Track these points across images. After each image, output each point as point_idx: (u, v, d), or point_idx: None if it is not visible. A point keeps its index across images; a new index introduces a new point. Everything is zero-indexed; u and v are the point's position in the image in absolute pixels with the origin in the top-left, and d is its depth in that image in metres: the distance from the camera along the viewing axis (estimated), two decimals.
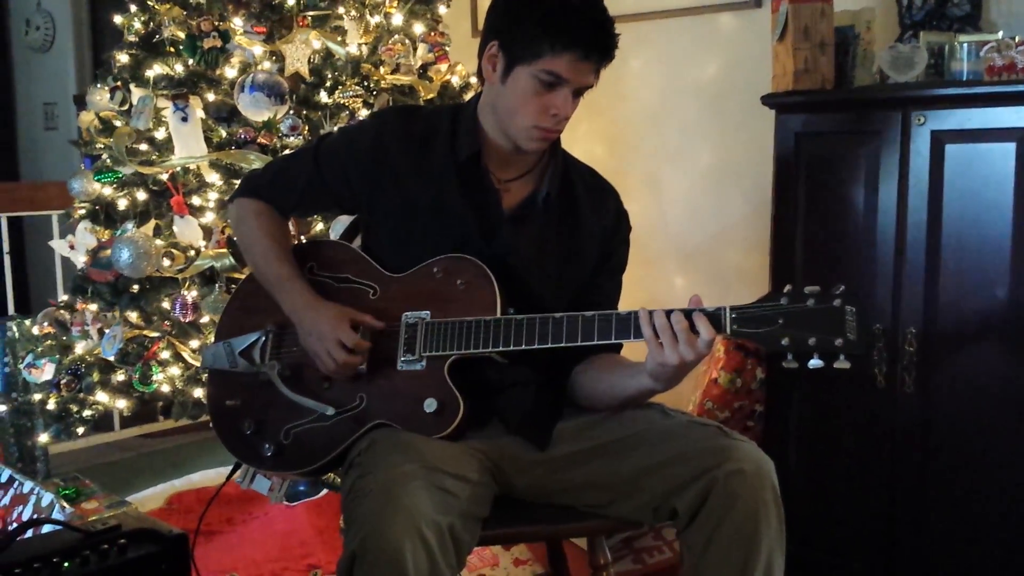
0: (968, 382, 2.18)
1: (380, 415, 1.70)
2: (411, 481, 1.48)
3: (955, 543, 2.22)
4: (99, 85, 3.02)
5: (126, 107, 2.88)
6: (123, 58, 2.89)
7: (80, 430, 2.97)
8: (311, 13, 2.76)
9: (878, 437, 2.30)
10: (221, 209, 2.72)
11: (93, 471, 3.28)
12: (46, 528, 1.82)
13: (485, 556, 2.57)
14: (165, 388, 2.78)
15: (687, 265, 3.19)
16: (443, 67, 3.00)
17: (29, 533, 1.79)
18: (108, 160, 2.86)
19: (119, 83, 2.90)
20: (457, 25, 3.37)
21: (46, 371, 2.91)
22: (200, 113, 2.72)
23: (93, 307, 2.89)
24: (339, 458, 1.72)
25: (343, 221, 2.49)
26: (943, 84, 2.22)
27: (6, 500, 2.61)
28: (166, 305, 2.77)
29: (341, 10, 2.80)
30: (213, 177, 2.73)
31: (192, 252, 2.74)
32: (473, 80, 3.01)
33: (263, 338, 1.84)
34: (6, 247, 3.87)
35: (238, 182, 2.64)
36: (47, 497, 2.54)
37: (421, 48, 2.96)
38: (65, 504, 2.52)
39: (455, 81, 3.02)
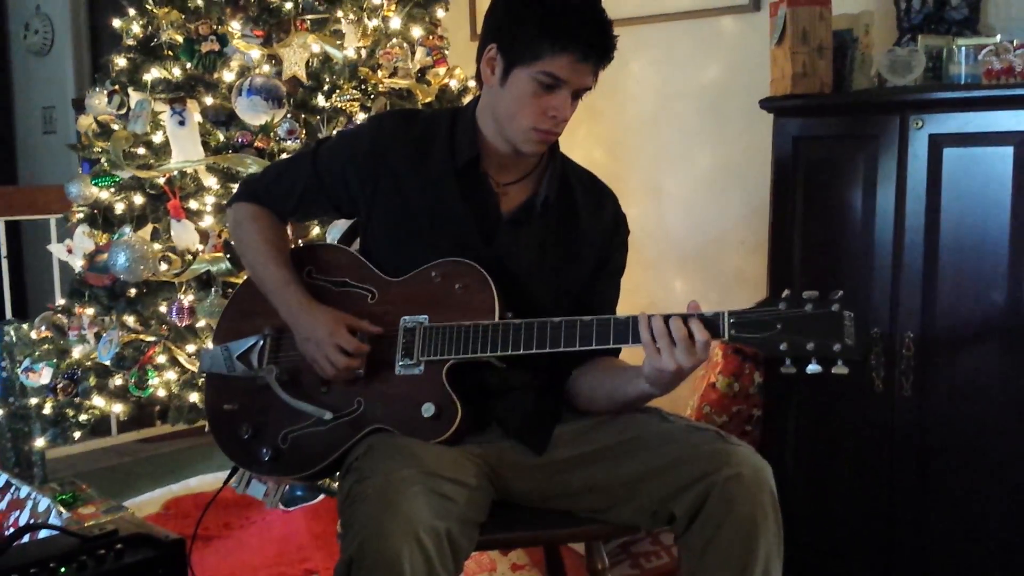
0: (966, 386, 2.18)
1: (378, 420, 1.69)
2: (409, 486, 1.48)
3: (954, 546, 2.22)
4: (97, 89, 3.02)
5: (124, 111, 2.88)
6: (121, 62, 2.89)
7: (76, 434, 2.97)
8: (310, 16, 2.76)
9: (876, 441, 2.30)
10: (218, 213, 2.71)
11: (90, 476, 3.27)
12: (43, 533, 1.82)
13: (483, 561, 2.57)
14: (161, 393, 2.77)
15: (687, 269, 3.19)
16: (441, 71, 3.00)
17: (26, 538, 1.79)
18: (106, 164, 2.86)
19: (117, 87, 2.90)
20: (456, 29, 3.37)
21: (43, 375, 2.91)
22: (198, 117, 2.72)
23: (90, 311, 2.89)
24: (337, 463, 1.72)
25: (339, 225, 2.49)
26: (941, 88, 2.22)
27: (3, 505, 2.61)
28: (163, 309, 2.77)
29: (339, 14, 2.80)
30: (210, 181, 2.73)
31: (189, 256, 2.73)
32: (471, 84, 3.01)
33: (261, 342, 1.84)
34: (4, 251, 3.86)
35: (235, 186, 2.65)
36: (44, 502, 2.54)
37: (419, 52, 2.96)
38: (62, 509, 2.52)
39: (453, 85, 3.02)
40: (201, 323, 2.71)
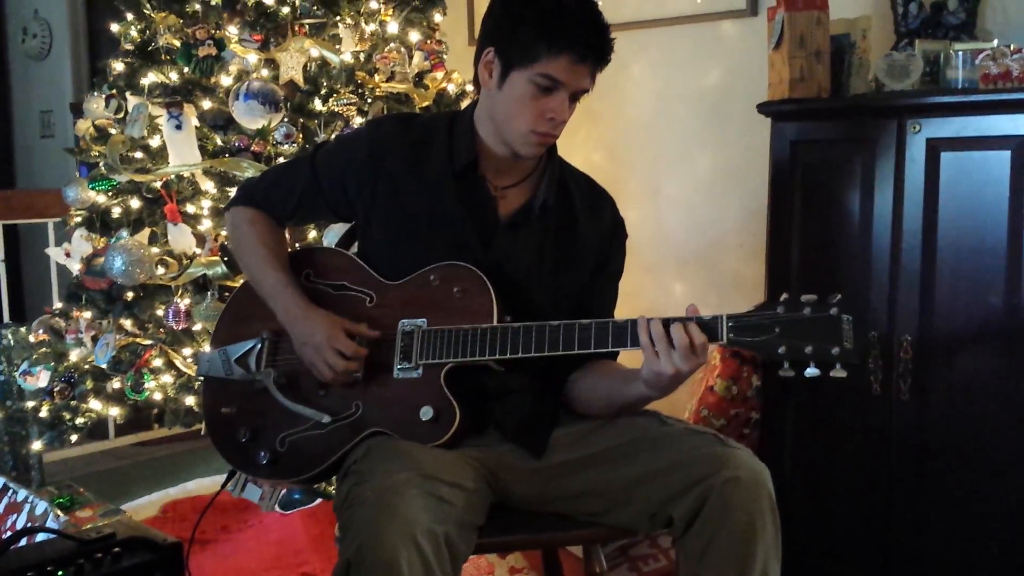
0: (964, 389, 2.18)
1: (376, 423, 1.69)
2: (407, 489, 1.48)
3: (953, 548, 2.22)
4: (95, 93, 3.02)
5: (121, 115, 2.88)
6: (119, 66, 2.90)
7: (73, 438, 2.97)
8: (308, 21, 2.76)
9: (874, 444, 2.30)
10: (215, 217, 2.71)
11: (87, 479, 3.27)
12: (40, 537, 1.81)
13: (481, 565, 2.57)
14: (157, 396, 2.77)
15: (686, 272, 3.19)
16: (439, 75, 3.00)
17: (23, 542, 1.78)
18: (103, 168, 2.86)
19: (114, 91, 2.90)
20: (454, 33, 3.38)
21: (41, 378, 2.91)
22: (195, 121, 2.72)
23: (87, 315, 2.89)
24: (335, 466, 1.72)
25: (336, 228, 2.49)
26: (938, 92, 2.22)
27: (0, 508, 2.60)
28: (160, 313, 2.77)
29: (337, 18, 2.80)
30: (207, 185, 2.73)
31: (186, 260, 2.73)
32: (469, 88, 3.01)
33: (259, 345, 1.84)
34: (2, 255, 3.86)
35: (231, 190, 2.65)
36: (41, 505, 2.54)
37: (417, 56, 2.96)
38: (59, 512, 2.52)
39: (451, 89, 3.02)
40: (197, 326, 2.71)
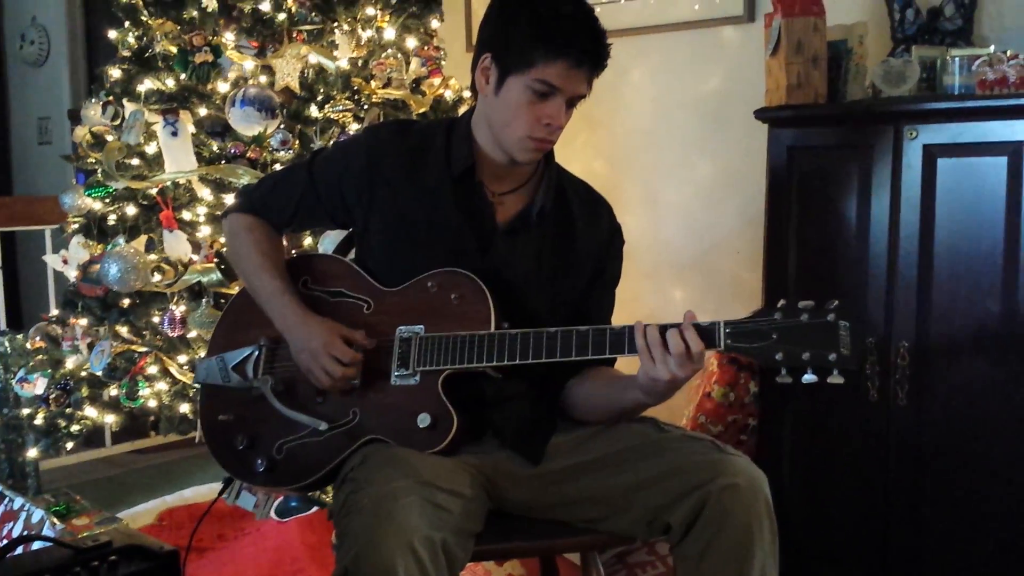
0: (961, 395, 2.18)
1: (373, 430, 1.69)
2: (404, 497, 1.47)
3: (951, 553, 2.22)
4: (93, 100, 3.02)
5: (118, 122, 2.88)
6: (116, 73, 2.89)
7: (69, 445, 2.96)
8: (305, 27, 2.76)
9: (871, 450, 2.30)
10: (211, 224, 2.71)
11: (84, 487, 3.26)
12: (36, 544, 1.81)
13: (478, 572, 2.56)
14: (152, 403, 2.76)
15: (685, 278, 3.19)
16: (436, 81, 3.00)
17: (19, 550, 1.78)
18: (100, 175, 2.86)
19: (111, 98, 2.90)
20: (452, 40, 3.38)
21: (38, 385, 2.90)
22: (191, 128, 2.72)
23: (83, 322, 2.88)
24: (332, 473, 1.72)
25: (331, 235, 2.49)
26: (935, 98, 2.23)
27: None
28: (156, 320, 2.76)
29: (334, 24, 2.80)
30: (204, 192, 2.72)
31: (181, 267, 2.73)
32: (466, 94, 3.01)
33: (256, 353, 1.84)
34: None
35: (228, 197, 2.65)
36: (37, 513, 2.53)
37: (414, 62, 2.96)
38: (56, 520, 2.51)
39: (448, 95, 3.02)
40: (193, 334, 2.71)
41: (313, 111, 2.75)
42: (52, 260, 3.26)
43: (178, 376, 2.75)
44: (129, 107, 2.83)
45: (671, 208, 3.19)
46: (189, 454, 3.66)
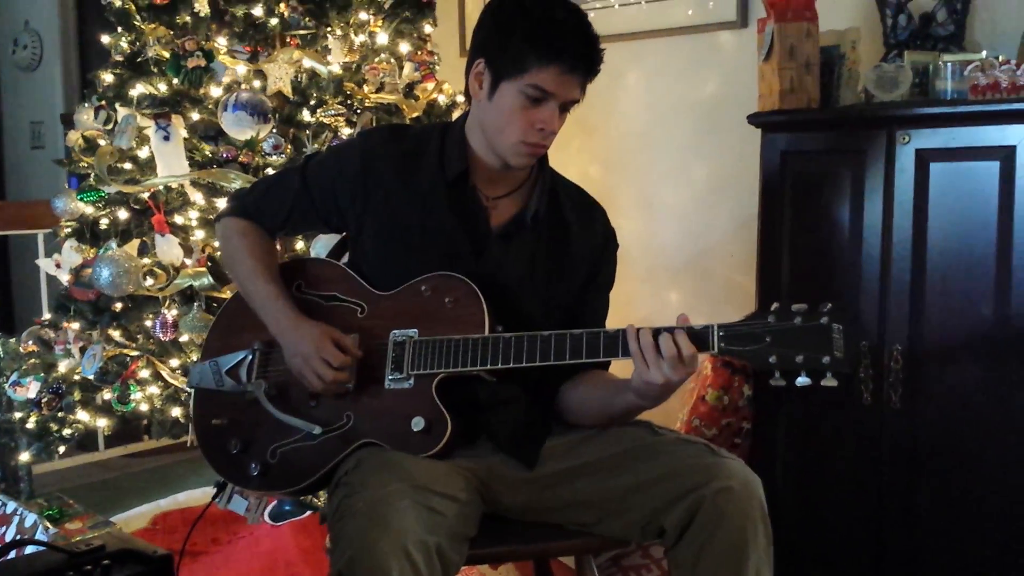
0: (954, 399, 2.18)
1: (367, 434, 1.69)
2: (398, 500, 1.47)
3: (944, 556, 2.22)
4: (86, 104, 3.02)
5: (111, 126, 2.88)
6: (108, 78, 2.89)
7: (61, 449, 2.95)
8: (299, 32, 2.77)
9: (865, 453, 2.30)
10: (203, 228, 2.71)
11: (77, 491, 3.26)
12: (29, 549, 1.80)
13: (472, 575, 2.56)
14: (144, 407, 2.76)
15: (679, 281, 3.19)
16: (429, 86, 3.00)
17: (12, 554, 1.78)
18: (93, 179, 2.85)
19: (104, 102, 2.90)
20: (446, 45, 3.38)
21: (31, 389, 2.90)
22: (183, 132, 2.72)
23: (76, 326, 2.88)
24: (326, 477, 1.71)
25: (323, 239, 2.49)
26: (927, 103, 2.24)
27: None
28: (149, 324, 2.76)
29: (327, 29, 2.80)
30: (196, 196, 2.72)
31: (173, 271, 2.73)
32: (460, 99, 3.02)
33: (250, 357, 1.84)
34: None
35: (220, 201, 2.65)
36: (30, 517, 2.53)
37: (407, 67, 2.96)
38: (48, 525, 2.51)
39: (442, 100, 3.02)
40: (184, 338, 2.71)
41: (306, 115, 2.75)
42: (45, 264, 3.26)
43: (170, 380, 2.74)
44: (122, 111, 2.83)
45: (666, 212, 3.20)
46: (182, 458, 3.66)
